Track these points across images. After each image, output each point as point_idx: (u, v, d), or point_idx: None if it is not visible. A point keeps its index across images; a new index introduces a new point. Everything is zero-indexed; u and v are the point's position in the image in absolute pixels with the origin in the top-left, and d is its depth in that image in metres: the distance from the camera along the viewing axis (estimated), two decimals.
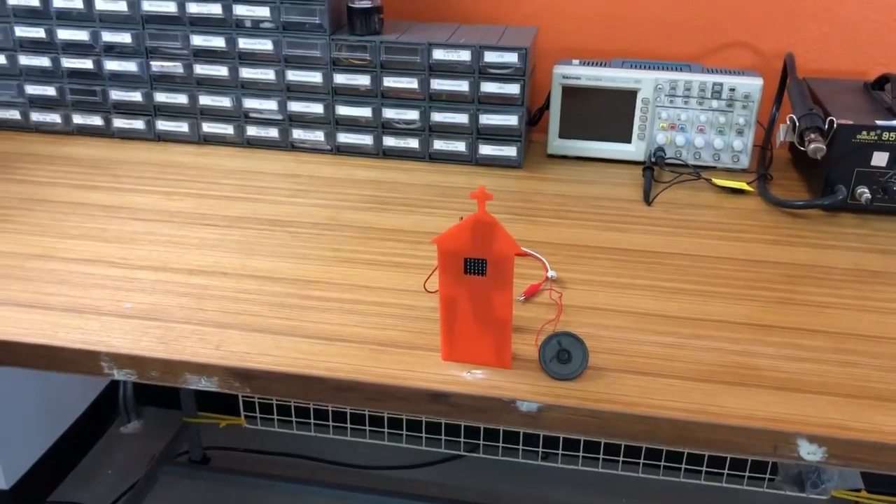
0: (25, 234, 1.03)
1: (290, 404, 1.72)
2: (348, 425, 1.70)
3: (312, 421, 1.72)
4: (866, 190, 1.07)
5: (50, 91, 1.32)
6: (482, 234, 0.73)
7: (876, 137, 1.05)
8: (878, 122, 1.06)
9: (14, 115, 1.35)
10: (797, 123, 1.09)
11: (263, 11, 1.21)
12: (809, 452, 0.71)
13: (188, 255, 0.98)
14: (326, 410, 1.70)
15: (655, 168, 1.21)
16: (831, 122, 1.06)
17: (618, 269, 0.96)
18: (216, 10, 1.22)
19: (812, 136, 1.06)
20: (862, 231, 1.07)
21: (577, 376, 0.76)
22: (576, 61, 1.25)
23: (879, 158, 1.06)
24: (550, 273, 0.94)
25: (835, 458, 0.72)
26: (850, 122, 1.06)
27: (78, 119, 1.34)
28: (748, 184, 1.17)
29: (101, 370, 0.82)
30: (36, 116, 1.35)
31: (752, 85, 1.18)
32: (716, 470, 1.64)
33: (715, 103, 1.19)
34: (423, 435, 1.71)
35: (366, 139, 1.26)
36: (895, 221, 1.08)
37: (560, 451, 1.67)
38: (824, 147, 1.05)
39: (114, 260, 0.97)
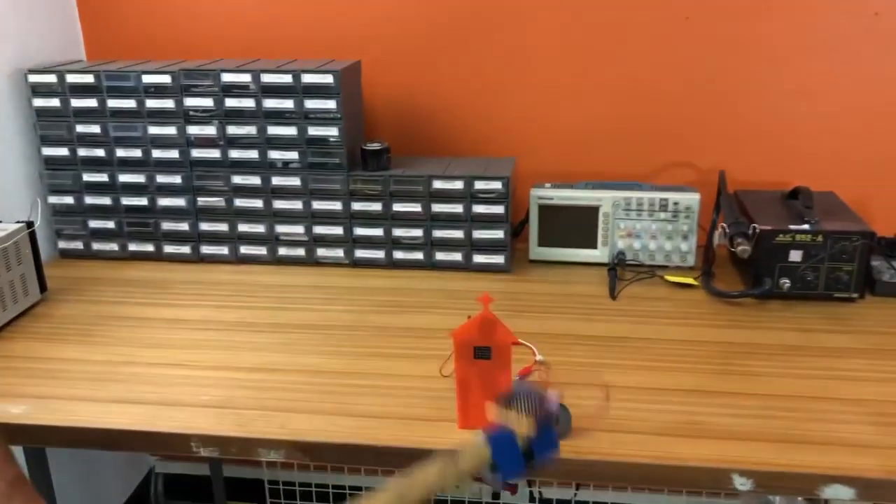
0: (109, 346, 1.26)
1: (312, 489, 1.91)
2: None
3: None
4: (787, 280, 1.33)
5: (110, 224, 1.58)
6: (487, 328, 0.97)
7: (791, 238, 1.32)
8: (792, 227, 1.33)
9: (78, 245, 1.60)
10: (727, 230, 1.36)
11: (293, 155, 1.48)
12: (741, 483, 0.95)
13: (245, 356, 1.22)
14: (344, 493, 1.90)
15: (618, 268, 1.47)
16: (754, 228, 1.34)
17: (590, 353, 1.20)
18: (253, 155, 1.49)
19: (739, 240, 1.33)
20: (786, 314, 1.32)
21: (564, 436, 0.99)
22: (548, 184, 1.52)
23: (795, 255, 1.33)
24: (538, 357, 1.18)
25: (761, 486, 0.95)
26: (770, 228, 1.33)
27: (132, 246, 1.59)
28: (694, 279, 1.43)
29: (191, 449, 1.04)
30: (96, 245, 1.60)
31: (691, 199, 1.46)
32: None
33: (662, 214, 1.47)
34: None
35: (379, 254, 1.52)
36: (811, 304, 1.34)
37: None
38: (749, 249, 1.32)
39: (186, 363, 1.20)
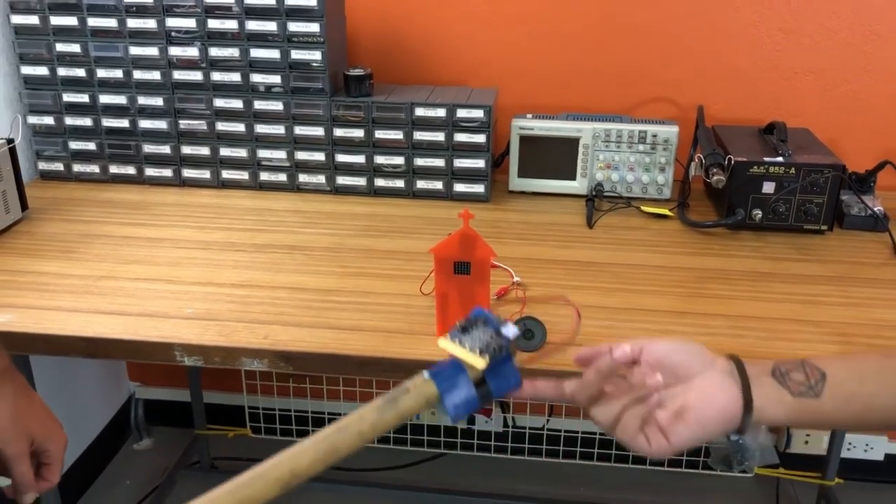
0: (91, 261, 1.27)
1: (291, 414, 1.95)
2: None
3: (311, 428, 1.95)
4: (759, 211, 1.37)
5: (90, 146, 1.57)
6: (467, 243, 1.00)
7: (765, 171, 1.35)
8: (766, 159, 1.36)
9: (58, 166, 1.60)
10: (703, 161, 1.39)
11: (275, 79, 1.48)
12: None
13: (228, 274, 1.23)
14: (324, 418, 1.94)
15: (596, 199, 1.50)
16: (730, 159, 1.36)
17: (568, 276, 1.23)
18: (236, 78, 1.49)
19: (715, 170, 1.35)
20: (757, 243, 1.36)
21: (539, 348, 1.03)
22: (529, 115, 1.54)
23: (768, 187, 1.36)
24: (516, 278, 1.21)
25: None
26: (745, 159, 1.36)
27: (114, 169, 1.59)
28: (670, 210, 1.46)
29: (174, 358, 1.06)
30: (77, 167, 1.59)
31: (669, 132, 1.48)
32: None
33: (641, 147, 1.49)
34: (409, 436, 1.95)
35: (360, 181, 1.53)
36: (782, 235, 1.38)
37: (526, 445, 1.93)
38: (724, 178, 1.34)
39: (169, 278, 1.22)
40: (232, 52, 1.47)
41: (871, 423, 0.70)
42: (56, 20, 1.49)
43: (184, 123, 1.53)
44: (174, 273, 1.23)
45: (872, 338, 1.07)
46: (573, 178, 1.53)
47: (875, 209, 1.39)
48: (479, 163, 1.49)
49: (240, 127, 1.52)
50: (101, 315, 1.11)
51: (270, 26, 1.44)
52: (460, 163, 1.49)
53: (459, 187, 1.51)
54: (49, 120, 1.56)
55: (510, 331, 0.72)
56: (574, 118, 1.53)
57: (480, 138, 1.47)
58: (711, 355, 0.70)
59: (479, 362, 0.70)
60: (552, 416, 1.92)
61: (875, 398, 0.68)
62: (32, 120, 1.56)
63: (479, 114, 1.46)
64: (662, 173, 1.50)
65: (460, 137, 1.48)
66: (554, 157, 1.52)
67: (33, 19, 1.49)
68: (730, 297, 1.17)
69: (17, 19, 1.49)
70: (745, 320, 1.11)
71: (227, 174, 1.56)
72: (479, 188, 1.51)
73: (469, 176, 1.50)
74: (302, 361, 1.04)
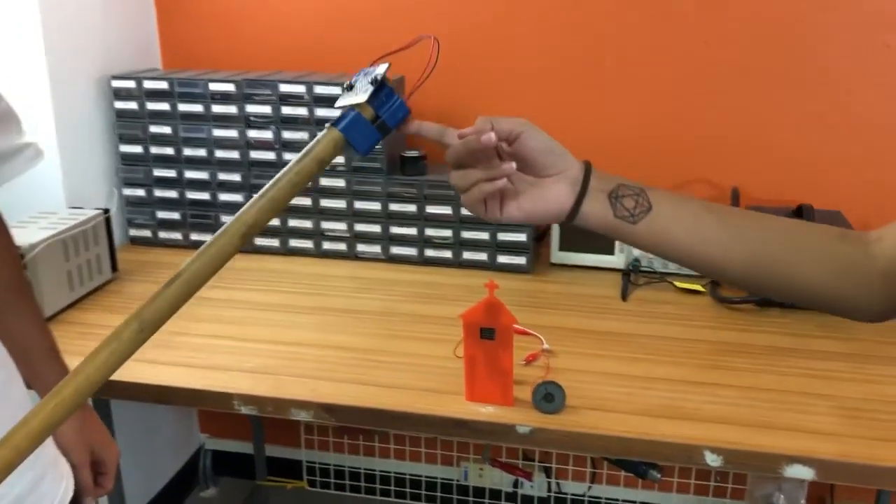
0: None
1: (345, 469, 2.06)
2: (392, 487, 2.03)
3: (363, 484, 2.05)
4: None
5: (175, 216, 1.76)
6: (492, 311, 1.11)
7: None
8: None
9: (146, 233, 1.79)
10: None
11: (338, 158, 1.64)
12: (712, 459, 1.06)
13: (285, 333, 1.37)
14: (375, 475, 2.04)
15: (632, 274, 1.59)
16: None
17: (596, 345, 1.33)
18: None
19: None
20: (784, 320, 1.42)
21: (558, 411, 1.12)
22: None
23: None
24: (545, 346, 1.31)
25: (730, 463, 1.06)
26: None
27: (195, 236, 1.76)
28: (702, 286, 1.54)
29: (233, 407, 1.20)
30: (162, 234, 1.78)
31: None
32: None
33: None
34: (455, 496, 2.03)
35: (412, 251, 1.67)
36: (808, 313, 1.43)
37: None
38: None
39: (233, 336, 1.36)
40: (302, 135, 1.64)
41: (670, 259, 0.79)
42: (151, 105, 1.69)
43: None
44: (238, 331, 1.38)
45: (878, 412, 1.12)
46: (612, 252, 1.63)
47: None
48: (522, 236, 1.61)
49: (306, 201, 1.69)
50: (172, 367, 1.26)
51: (336, 113, 1.61)
52: (504, 236, 1.61)
53: (503, 259, 1.63)
54: (141, 192, 1.76)
55: (381, 67, 0.80)
56: None
57: None
58: (571, 162, 0.77)
59: (361, 98, 0.77)
60: (594, 484, 1.97)
61: (677, 241, 0.76)
62: (126, 192, 1.76)
63: None
64: None
65: None
66: (594, 231, 1.62)
67: (133, 105, 1.70)
68: (744, 370, 1.24)
69: (119, 105, 1.71)
70: (755, 392, 1.18)
71: (293, 243, 1.72)
72: (520, 260, 1.62)
73: (512, 248, 1.62)
74: (343, 413, 1.16)
